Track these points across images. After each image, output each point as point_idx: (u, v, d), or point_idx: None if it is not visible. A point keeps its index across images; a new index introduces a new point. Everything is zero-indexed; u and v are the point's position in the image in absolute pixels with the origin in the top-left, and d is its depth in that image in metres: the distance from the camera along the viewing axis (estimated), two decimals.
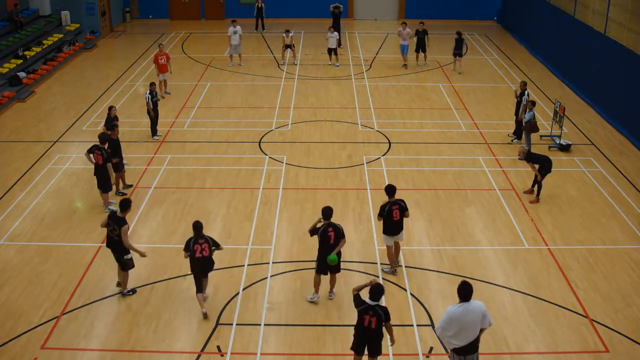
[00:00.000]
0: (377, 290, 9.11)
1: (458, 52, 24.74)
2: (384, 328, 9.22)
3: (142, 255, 11.41)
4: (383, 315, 9.08)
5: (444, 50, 27.49)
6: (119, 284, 11.75)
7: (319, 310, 11.27)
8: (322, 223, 11.32)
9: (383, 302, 11.38)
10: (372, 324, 9.09)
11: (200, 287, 11.08)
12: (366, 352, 9.42)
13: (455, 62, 25.09)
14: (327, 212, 11.33)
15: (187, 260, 11.09)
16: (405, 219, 12.20)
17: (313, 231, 11.35)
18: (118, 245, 11.27)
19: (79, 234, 13.70)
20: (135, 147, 17.85)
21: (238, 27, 25.21)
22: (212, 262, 11.15)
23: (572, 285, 12.04)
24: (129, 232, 11.26)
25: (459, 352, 8.87)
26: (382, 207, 12.02)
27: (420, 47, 25.34)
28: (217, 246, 11.11)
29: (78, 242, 13.37)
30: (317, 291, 11.50)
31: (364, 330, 9.20)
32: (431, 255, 12.97)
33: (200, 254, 10.84)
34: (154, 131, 18.48)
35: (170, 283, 12.01)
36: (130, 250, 11.29)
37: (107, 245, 11.49)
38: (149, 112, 18.09)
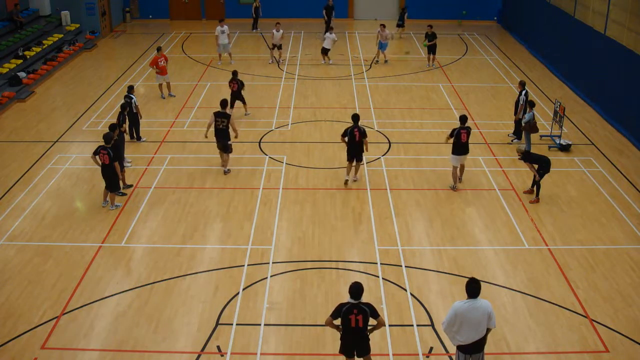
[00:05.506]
0: (356, 289, 8.83)
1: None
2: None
3: (236, 134, 16.20)
4: (369, 311, 8.86)
5: (444, 50, 27.52)
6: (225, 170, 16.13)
7: (319, 310, 11.27)
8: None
9: (383, 302, 11.43)
10: (359, 322, 8.87)
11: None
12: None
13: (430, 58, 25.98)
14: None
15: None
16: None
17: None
18: (224, 133, 15.73)
19: (79, 234, 13.70)
20: (136, 147, 17.85)
21: (225, 27, 25.52)
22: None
23: (572, 285, 12.04)
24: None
25: (464, 351, 8.86)
26: (453, 130, 15.12)
27: (431, 49, 25.53)
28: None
29: (78, 242, 13.37)
30: (348, 174, 15.50)
31: (351, 331, 8.98)
32: (431, 255, 12.97)
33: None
34: (138, 137, 18.25)
35: (170, 283, 12.01)
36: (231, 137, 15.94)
37: (215, 135, 15.84)
38: (138, 115, 18.02)
